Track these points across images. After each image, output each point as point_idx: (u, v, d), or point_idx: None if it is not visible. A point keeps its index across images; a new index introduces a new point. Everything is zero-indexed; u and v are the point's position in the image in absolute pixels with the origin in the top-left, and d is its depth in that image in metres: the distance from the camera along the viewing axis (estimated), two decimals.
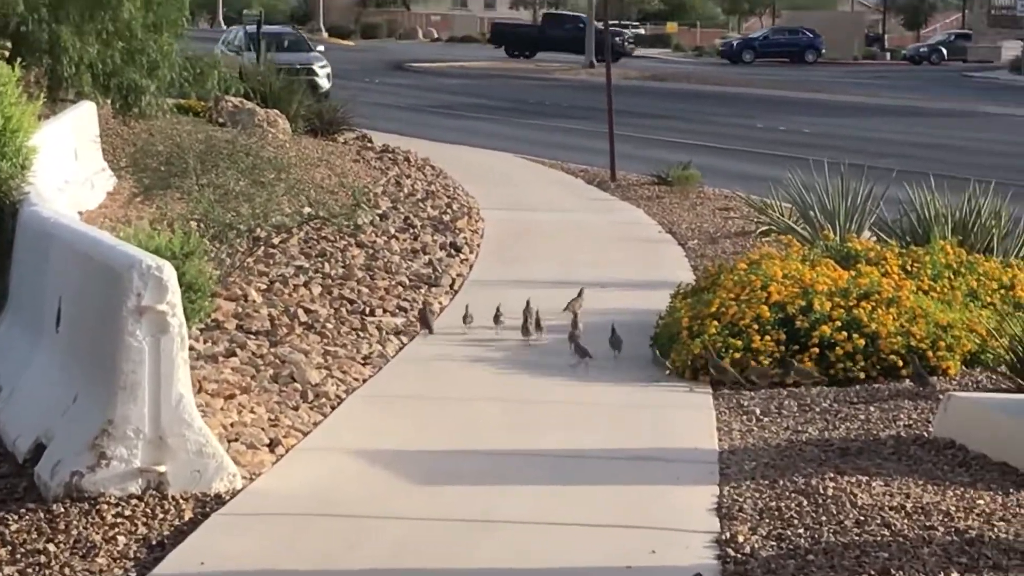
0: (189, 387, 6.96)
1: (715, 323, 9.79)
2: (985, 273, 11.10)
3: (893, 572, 5.74)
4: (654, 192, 20.22)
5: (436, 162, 23.13)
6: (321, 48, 43.75)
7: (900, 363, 9.42)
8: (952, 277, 10.98)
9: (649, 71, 66.57)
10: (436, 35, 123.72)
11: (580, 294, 11.39)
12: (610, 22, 28.43)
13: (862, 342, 9.50)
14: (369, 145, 25.54)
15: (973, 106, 45.26)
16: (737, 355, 9.49)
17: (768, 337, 9.58)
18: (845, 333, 9.55)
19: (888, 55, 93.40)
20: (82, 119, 17.16)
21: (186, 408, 6.89)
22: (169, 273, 6.87)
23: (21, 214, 9.55)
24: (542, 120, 36.79)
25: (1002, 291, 10.91)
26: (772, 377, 9.30)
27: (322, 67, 38.31)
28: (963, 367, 9.56)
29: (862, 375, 9.39)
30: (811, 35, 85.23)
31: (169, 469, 6.83)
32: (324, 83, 37.07)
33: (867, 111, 42.54)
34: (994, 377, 9.24)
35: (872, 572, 5.76)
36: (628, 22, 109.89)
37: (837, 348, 9.49)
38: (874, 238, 12.90)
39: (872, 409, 8.63)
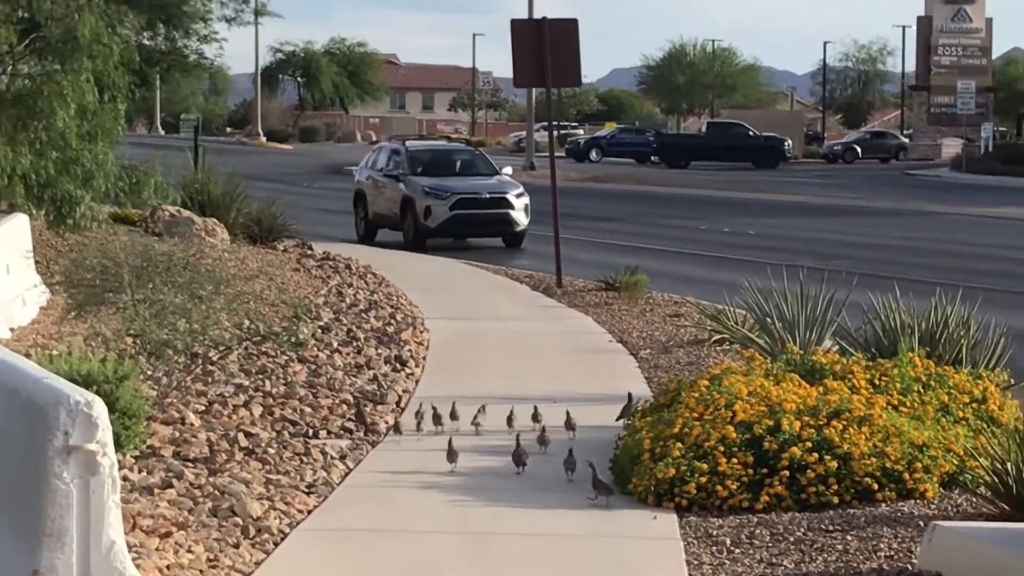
0: (121, 533, 6.43)
1: (679, 445, 9.31)
2: (956, 386, 10.69)
3: None
4: (602, 298, 19.82)
5: (378, 269, 22.78)
6: (509, 171, 32.50)
7: (875, 486, 8.96)
8: (922, 391, 10.55)
9: (590, 172, 66.59)
10: (375, 138, 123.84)
11: (481, 409, 11.26)
12: (554, 122, 28.24)
13: (835, 464, 9.04)
14: (309, 253, 25.15)
15: (919, 205, 45.30)
16: (703, 479, 9.01)
17: (735, 460, 9.11)
18: (816, 455, 9.09)
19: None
20: (14, 232, 16.64)
21: (118, 556, 6.36)
22: (99, 409, 6.35)
23: None
24: None
25: (974, 405, 10.52)
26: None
27: (519, 196, 29.18)
28: (941, 489, 9.12)
29: (835, 500, 8.92)
30: (652, 136, 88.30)
31: None
32: (522, 220, 28.95)
33: (812, 211, 42.45)
34: (974, 500, 8.79)
35: None
36: (567, 123, 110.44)
37: (808, 471, 9.02)
38: (836, 348, 12.48)
39: (849, 538, 8.17)
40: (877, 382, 10.59)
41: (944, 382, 10.71)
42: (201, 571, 7.41)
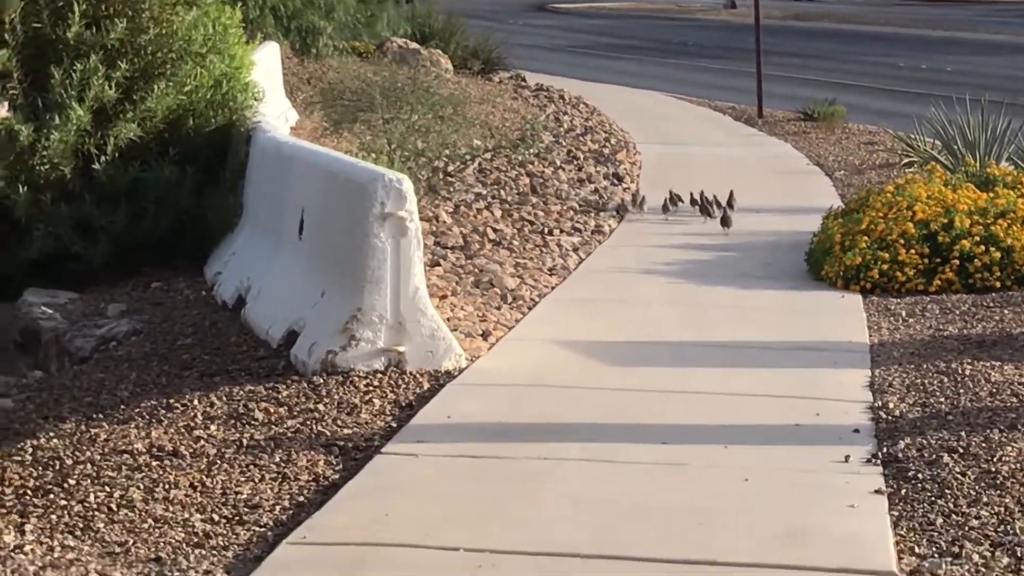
0: (423, 281, 8.28)
1: (865, 238, 10.94)
2: None
3: (1020, 427, 6.90)
4: (800, 128, 21.24)
5: (588, 100, 24.27)
6: None
7: None
8: None
9: (791, 11, 67.04)
10: None
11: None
12: None
13: (998, 255, 10.60)
14: (524, 84, 26.70)
15: None
16: (885, 267, 10.64)
17: (913, 251, 10.72)
18: (983, 247, 10.65)
19: None
20: (269, 58, 18.51)
21: (421, 299, 8.21)
22: (408, 185, 8.17)
23: (256, 139, 10.92)
24: (686, 60, 37.77)
25: None
26: None
27: None
28: None
29: (998, 284, 10.50)
30: None
31: (407, 349, 8.15)
32: None
33: (1009, 49, 43.00)
34: None
35: (1002, 427, 6.93)
36: None
37: (976, 260, 10.60)
38: (1012, 166, 13.91)
39: (1006, 312, 9.75)
40: None
41: None
42: (474, 323, 9.26)
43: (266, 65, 18.19)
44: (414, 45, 25.99)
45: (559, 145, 18.29)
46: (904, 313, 9.85)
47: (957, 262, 10.63)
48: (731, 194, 13.49)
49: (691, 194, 13.84)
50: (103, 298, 10.48)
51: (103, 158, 10.88)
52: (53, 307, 10.30)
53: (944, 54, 39.71)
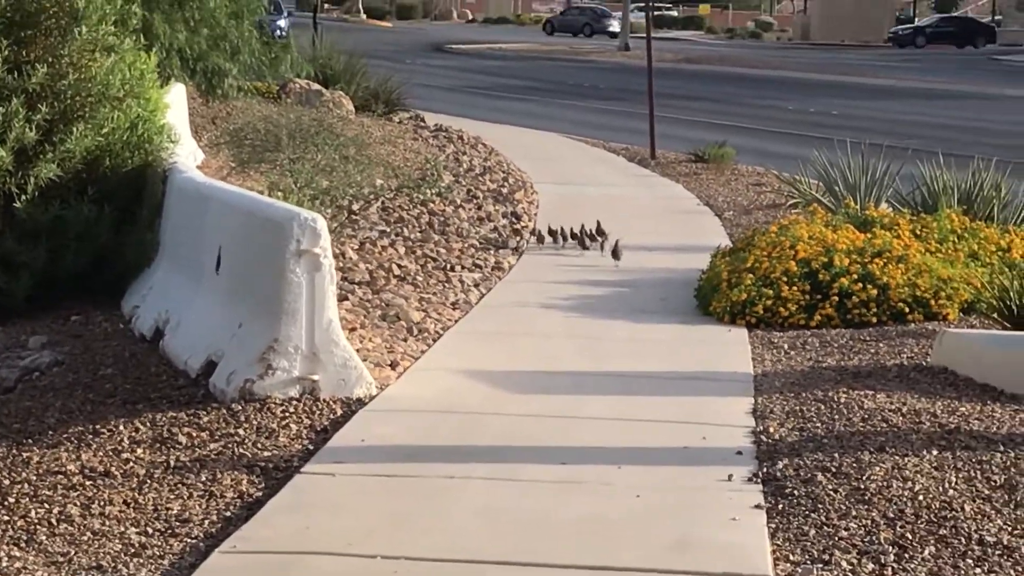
0: (336, 314, 8.82)
1: (750, 276, 11.59)
2: (985, 238, 12.85)
3: (887, 450, 7.54)
4: (691, 169, 21.98)
5: (487, 141, 24.89)
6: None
7: (907, 310, 11.22)
8: (956, 241, 12.74)
9: (683, 53, 68.25)
10: (471, 16, 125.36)
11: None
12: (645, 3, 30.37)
13: (875, 292, 11.28)
14: (423, 125, 27.28)
15: (1000, 90, 46.85)
16: (769, 302, 11.29)
17: (795, 287, 11.38)
18: (861, 284, 11.33)
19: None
20: (178, 100, 18.97)
21: (334, 330, 8.74)
22: (322, 223, 8.71)
23: (172, 179, 11.41)
24: (582, 101, 38.57)
25: (1000, 253, 12.65)
26: None
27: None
28: (961, 314, 11.34)
29: (874, 319, 11.17)
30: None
31: (321, 378, 8.67)
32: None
33: (895, 94, 44.19)
34: (986, 321, 11.02)
35: (872, 449, 7.56)
36: (661, 4, 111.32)
37: (854, 297, 11.27)
38: (890, 208, 14.66)
39: (881, 345, 10.42)
40: (919, 232, 12.77)
41: (976, 234, 12.89)
42: (382, 354, 9.80)
43: (175, 106, 18.65)
44: (316, 86, 26.54)
45: (459, 184, 18.87)
46: (786, 346, 10.49)
47: (836, 298, 11.30)
48: (599, 226, 14.71)
49: (579, 228, 14.58)
50: (24, 330, 10.91)
51: (24, 197, 11.32)
52: None
53: (831, 98, 40.81)
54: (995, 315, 10.89)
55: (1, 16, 11.61)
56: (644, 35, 25.08)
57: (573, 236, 14.77)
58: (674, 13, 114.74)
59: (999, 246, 12.77)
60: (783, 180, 18.35)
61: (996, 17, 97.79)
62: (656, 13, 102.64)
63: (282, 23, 45.65)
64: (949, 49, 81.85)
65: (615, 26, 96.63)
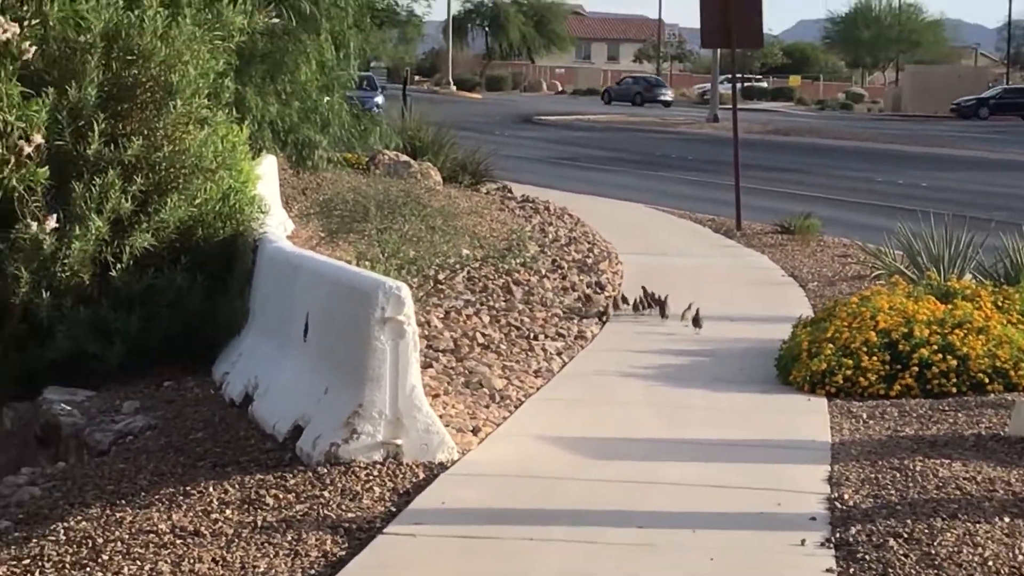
0: (419, 379, 9.04)
1: (830, 346, 11.71)
2: None
3: (960, 516, 7.65)
4: (777, 240, 22.11)
5: (573, 211, 25.16)
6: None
7: (986, 380, 11.30)
8: None
9: (772, 125, 68.39)
10: (560, 87, 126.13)
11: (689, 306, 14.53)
12: (738, 74, 30.68)
13: (955, 363, 11.38)
14: (510, 195, 27.62)
15: None
16: (848, 372, 11.41)
17: (875, 357, 11.49)
18: (941, 355, 11.43)
19: None
20: (269, 171, 19.37)
21: (417, 395, 8.96)
22: (406, 292, 8.95)
23: (263, 248, 11.72)
24: (669, 172, 38.86)
25: None
26: None
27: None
28: None
29: (954, 390, 11.26)
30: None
31: (404, 442, 8.89)
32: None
33: (985, 165, 44.16)
34: None
35: (944, 516, 7.68)
36: (751, 75, 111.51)
37: (933, 367, 11.37)
38: (973, 280, 14.72)
39: (960, 415, 10.51)
40: (1001, 304, 12.83)
41: None
42: (464, 419, 10.01)
43: (266, 177, 19.05)
44: (405, 158, 26.95)
45: (544, 255, 19.10)
46: (865, 415, 10.60)
47: (916, 369, 11.40)
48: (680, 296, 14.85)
49: (664, 297, 14.77)
50: (119, 395, 11.23)
51: (119, 265, 11.68)
52: (72, 404, 11.04)
53: (921, 169, 40.82)
54: None
55: (99, 91, 11.99)
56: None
57: (654, 302, 14.99)
58: (764, 84, 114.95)
59: None
60: (867, 251, 18.44)
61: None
62: (746, 84, 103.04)
63: (379, 100, 46.35)
64: (1014, 120, 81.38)
65: (667, 95, 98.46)
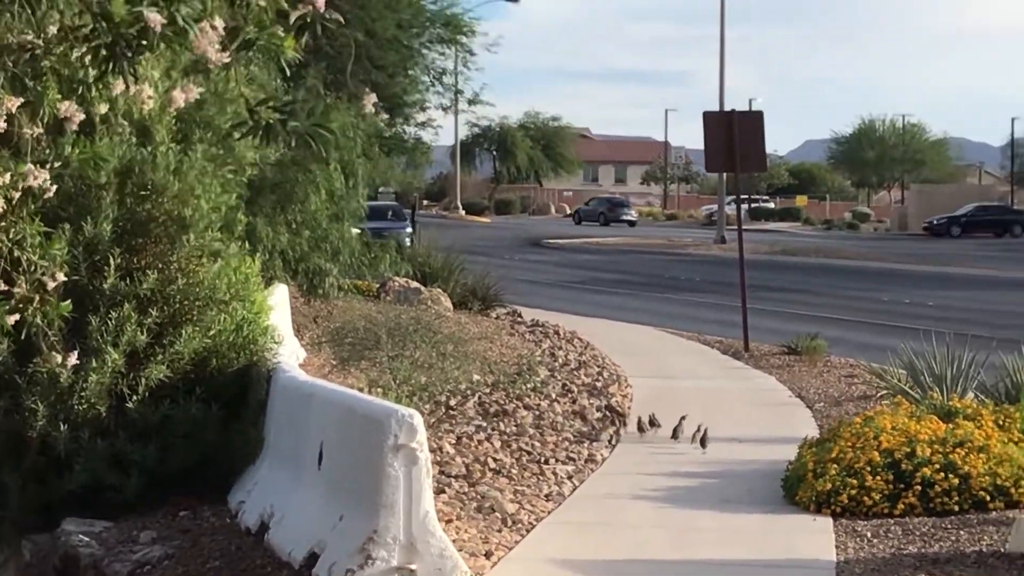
0: (432, 505, 9.25)
1: (835, 466, 11.91)
2: None
3: None
4: (784, 361, 22.32)
5: (582, 335, 25.38)
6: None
7: (988, 498, 11.49)
8: None
9: (779, 245, 68.82)
10: (568, 211, 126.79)
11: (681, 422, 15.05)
12: (744, 195, 31.10)
13: (956, 481, 11.57)
14: (520, 320, 27.85)
15: None
16: (853, 491, 11.60)
17: (879, 477, 11.69)
18: (943, 474, 11.62)
19: (1019, 227, 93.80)
20: (281, 300, 19.65)
21: (431, 521, 9.17)
22: (418, 420, 9.18)
23: (276, 378, 11.97)
24: (677, 294, 39.13)
25: None
26: None
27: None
28: None
29: (956, 508, 11.44)
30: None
31: (418, 568, 9.08)
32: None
33: (994, 284, 44.46)
34: None
35: None
36: (758, 196, 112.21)
37: (936, 486, 11.56)
38: (975, 399, 14.93)
39: (962, 533, 10.69)
40: (1002, 423, 13.05)
41: None
42: (477, 544, 10.21)
43: (278, 307, 19.34)
44: (415, 284, 27.27)
45: (554, 379, 19.32)
46: (869, 534, 10.78)
47: (919, 487, 11.59)
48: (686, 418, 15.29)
49: (675, 420, 14.97)
50: (136, 526, 11.43)
51: (135, 397, 11.92)
52: (90, 535, 11.24)
53: (928, 288, 41.09)
54: None
55: (114, 226, 12.31)
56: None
57: (652, 424, 15.40)
58: (771, 205, 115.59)
59: None
60: (872, 372, 18.66)
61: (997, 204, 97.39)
62: (753, 205, 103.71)
63: (408, 230, 45.18)
64: (987, 238, 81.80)
65: (630, 215, 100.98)
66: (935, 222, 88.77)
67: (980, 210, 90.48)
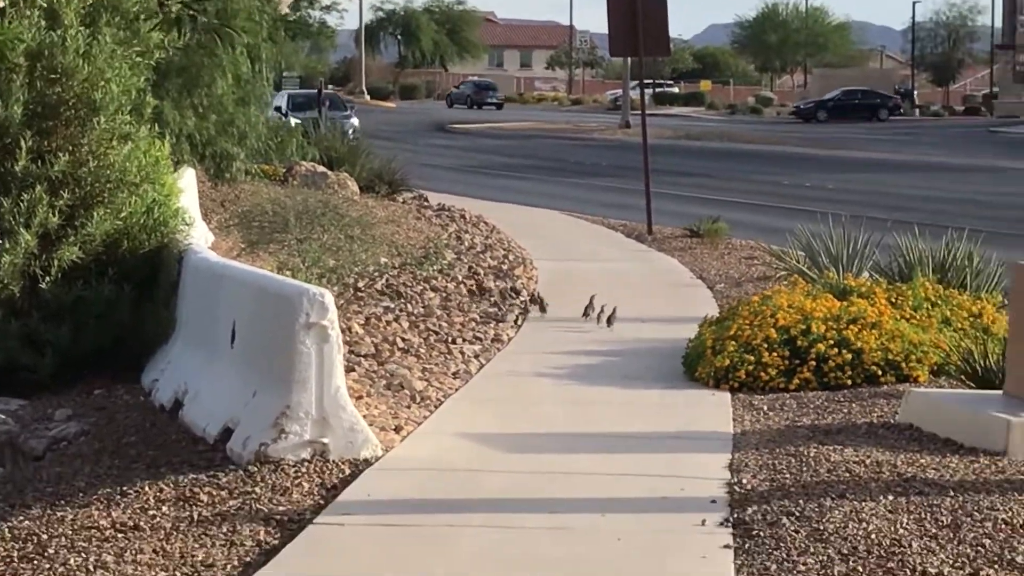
0: (343, 381, 9.54)
1: (733, 343, 12.31)
2: (958, 304, 13.57)
3: (848, 496, 8.26)
4: (687, 244, 22.74)
5: (488, 219, 25.68)
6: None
7: (880, 373, 11.94)
8: (930, 308, 13.45)
9: (683, 130, 69.24)
10: None
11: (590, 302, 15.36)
12: (649, 80, 31.35)
13: (850, 356, 12.00)
14: (426, 204, 28.06)
15: (993, 162, 47.76)
16: (750, 368, 12.01)
17: (775, 353, 12.10)
18: (836, 349, 12.05)
19: (917, 111, 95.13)
20: (189, 184, 19.77)
21: (342, 396, 9.47)
22: (329, 298, 9.45)
23: (188, 260, 12.18)
24: (582, 179, 39.48)
25: (971, 319, 13.36)
26: None
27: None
28: (931, 376, 12.05)
29: (849, 382, 11.89)
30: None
31: (330, 441, 9.39)
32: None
33: (889, 167, 45.12)
34: (953, 383, 11.73)
35: (833, 496, 8.28)
36: (662, 80, 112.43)
37: (830, 361, 11.98)
38: (869, 278, 15.38)
39: (854, 406, 11.12)
40: (894, 300, 13.49)
41: (948, 301, 13.61)
42: (387, 419, 10.52)
43: (186, 190, 19.44)
44: (322, 169, 27.37)
45: (461, 262, 19.61)
46: (766, 407, 11.20)
47: (814, 363, 12.02)
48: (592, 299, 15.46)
49: (577, 301, 15.29)
50: (51, 404, 11.66)
51: (48, 278, 12.10)
52: (6, 413, 11.46)
53: (827, 172, 41.66)
54: (961, 376, 11.59)
55: (24, 109, 12.41)
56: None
57: (534, 302, 15.94)
58: (675, 90, 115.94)
59: (971, 312, 13.46)
60: (771, 253, 19.09)
61: (994, 89, 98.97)
62: (658, 90, 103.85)
63: (355, 121, 46.39)
64: (854, 122, 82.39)
65: (496, 98, 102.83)
66: (802, 106, 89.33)
67: (847, 94, 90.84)
